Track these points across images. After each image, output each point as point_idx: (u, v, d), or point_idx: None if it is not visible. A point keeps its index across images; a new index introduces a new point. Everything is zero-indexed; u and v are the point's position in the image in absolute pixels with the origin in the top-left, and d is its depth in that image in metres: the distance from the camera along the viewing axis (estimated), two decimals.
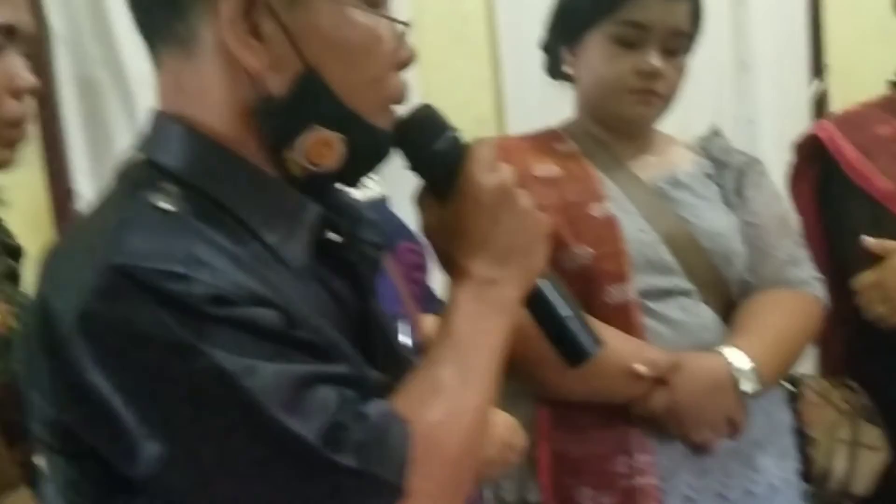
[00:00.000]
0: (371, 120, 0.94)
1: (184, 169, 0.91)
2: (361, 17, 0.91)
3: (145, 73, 2.95)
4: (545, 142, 1.77)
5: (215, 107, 0.92)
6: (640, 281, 1.64)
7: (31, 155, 2.70)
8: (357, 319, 1.00)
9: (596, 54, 1.67)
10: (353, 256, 1.01)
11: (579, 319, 1.05)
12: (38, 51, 2.70)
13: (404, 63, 0.97)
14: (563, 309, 1.05)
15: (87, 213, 0.94)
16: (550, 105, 1.86)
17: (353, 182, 1.01)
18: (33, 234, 2.71)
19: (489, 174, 0.98)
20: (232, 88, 0.91)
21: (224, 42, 0.89)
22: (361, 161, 0.97)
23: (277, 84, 0.90)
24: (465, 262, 0.99)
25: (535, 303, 1.03)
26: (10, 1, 1.22)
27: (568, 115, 1.81)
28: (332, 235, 0.98)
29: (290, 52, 0.89)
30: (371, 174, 1.01)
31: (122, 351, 0.80)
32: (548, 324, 1.04)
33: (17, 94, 1.22)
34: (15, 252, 1.35)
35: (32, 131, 2.67)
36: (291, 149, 0.92)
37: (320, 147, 0.92)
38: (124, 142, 2.77)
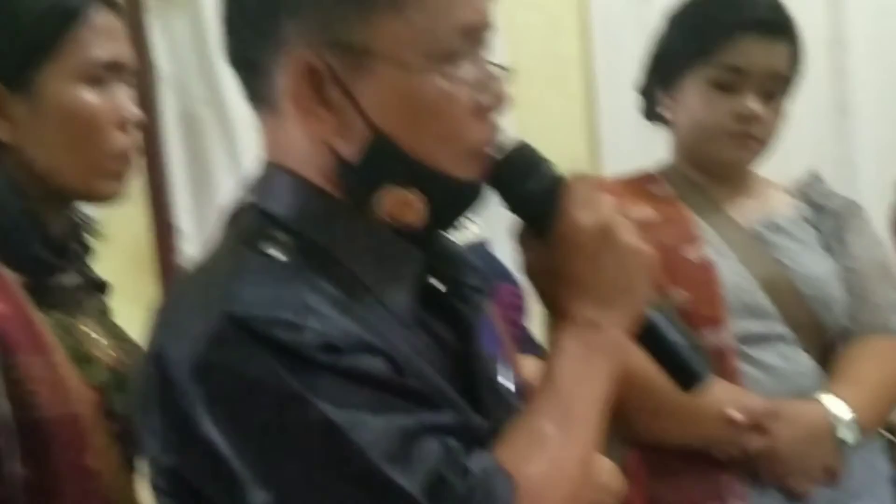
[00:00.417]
0: (452, 172, 0.93)
1: (292, 217, 0.93)
2: (430, 77, 0.90)
3: (247, 112, 3.01)
4: (640, 185, 1.77)
5: (306, 163, 0.94)
6: (737, 326, 1.62)
7: (134, 190, 2.77)
8: (460, 364, 1.00)
9: (693, 98, 1.67)
10: (455, 302, 1.01)
11: (689, 343, 1.03)
12: (143, 88, 2.78)
13: (489, 109, 0.95)
14: (673, 334, 1.02)
15: (199, 260, 0.97)
16: (646, 148, 1.86)
17: (447, 228, 1.01)
18: (134, 268, 2.80)
19: (587, 212, 0.96)
20: (313, 150, 0.92)
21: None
22: (449, 211, 0.96)
23: (349, 149, 0.91)
24: (568, 305, 0.97)
25: (645, 331, 1.01)
26: (114, 37, 1.26)
27: (663, 158, 1.80)
28: (435, 282, 0.99)
29: (357, 119, 0.90)
30: (468, 218, 1.01)
31: (233, 399, 0.83)
32: (659, 351, 1.02)
33: (123, 126, 1.25)
34: (102, 287, 1.38)
35: (137, 167, 2.75)
36: (373, 208, 0.93)
37: (399, 206, 0.92)
38: (225, 179, 2.83)
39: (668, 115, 1.74)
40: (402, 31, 0.89)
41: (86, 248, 1.34)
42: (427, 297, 0.98)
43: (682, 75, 1.69)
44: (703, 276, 1.64)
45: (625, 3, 3.02)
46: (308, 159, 0.93)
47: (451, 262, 1.04)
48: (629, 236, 0.98)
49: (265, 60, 0.91)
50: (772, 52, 1.64)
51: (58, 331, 1.21)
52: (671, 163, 1.79)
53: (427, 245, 0.99)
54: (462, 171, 0.94)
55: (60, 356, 1.18)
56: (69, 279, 1.27)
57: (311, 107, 0.90)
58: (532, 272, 1.01)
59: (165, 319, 0.92)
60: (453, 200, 0.96)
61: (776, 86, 1.66)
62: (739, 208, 1.74)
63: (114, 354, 1.29)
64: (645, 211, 1.70)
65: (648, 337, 1.01)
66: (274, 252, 0.90)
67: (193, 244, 2.84)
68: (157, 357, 0.87)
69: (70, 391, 1.18)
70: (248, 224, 0.95)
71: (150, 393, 0.88)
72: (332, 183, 0.93)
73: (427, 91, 0.90)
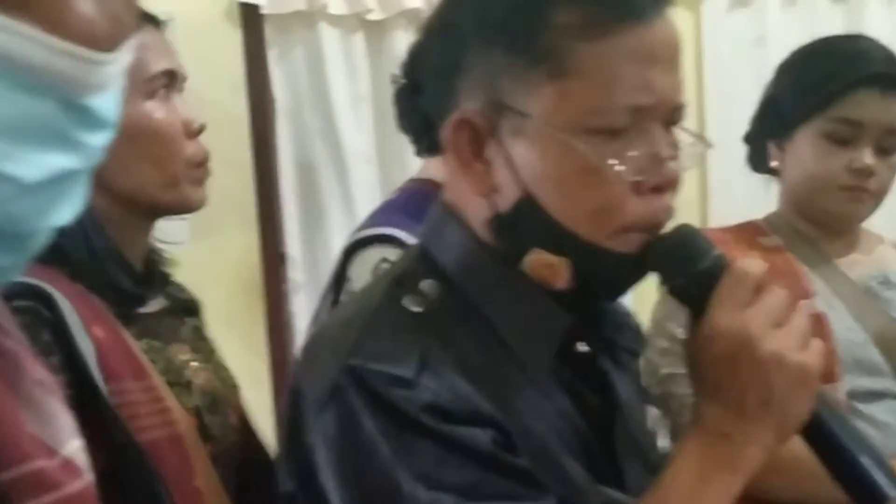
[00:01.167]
0: (602, 244, 0.90)
1: (451, 264, 0.96)
2: (584, 149, 0.88)
3: (359, 146, 3.05)
4: (749, 235, 1.74)
5: (470, 210, 0.96)
6: (849, 381, 1.58)
7: (248, 218, 2.85)
8: (607, 432, 0.97)
9: (806, 150, 1.65)
10: (605, 365, 0.99)
11: (870, 454, 0.91)
12: (261, 118, 2.86)
13: (653, 188, 0.90)
14: (850, 442, 0.91)
15: (353, 296, 0.99)
16: (754, 197, 1.84)
17: (602, 299, 0.99)
18: (245, 293, 2.86)
19: (730, 314, 0.88)
20: (475, 199, 0.94)
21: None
22: (596, 280, 0.93)
23: (503, 205, 0.92)
24: (701, 407, 0.91)
25: (816, 436, 0.91)
26: (163, 50, 1.29)
27: (771, 208, 1.78)
28: (581, 346, 0.97)
29: (510, 178, 0.91)
30: (621, 294, 0.99)
31: (340, 443, 0.86)
32: (833, 460, 0.92)
33: (190, 133, 1.28)
34: (192, 308, 1.41)
35: (250, 195, 2.82)
36: (522, 264, 0.93)
37: (544, 268, 0.92)
38: (336, 209, 2.88)
39: (778, 166, 1.72)
40: (558, 101, 0.88)
41: (166, 273, 1.36)
42: (575, 358, 0.97)
43: (794, 127, 1.66)
44: (815, 331, 1.60)
45: (738, 51, 3.00)
46: (472, 206, 0.95)
47: (608, 322, 1.02)
48: (781, 345, 0.88)
49: (444, 111, 0.93)
50: (889, 106, 1.61)
51: (150, 356, 1.24)
52: (779, 213, 1.76)
53: (581, 307, 0.96)
54: (614, 243, 0.91)
55: (157, 380, 1.21)
56: (155, 305, 1.30)
57: (468, 160, 0.92)
58: (687, 356, 0.94)
59: (308, 356, 0.96)
60: (601, 271, 0.92)
61: (892, 140, 1.62)
62: (850, 262, 1.70)
63: (207, 377, 1.32)
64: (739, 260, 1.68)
65: (819, 441, 0.92)
66: (409, 303, 0.92)
67: (301, 271, 2.89)
68: (294, 392, 0.91)
69: (171, 413, 1.21)
70: (406, 268, 0.98)
71: (285, 422, 0.92)
72: (489, 234, 0.95)
73: (575, 163, 0.89)
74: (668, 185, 0.91)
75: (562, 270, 0.92)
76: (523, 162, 0.90)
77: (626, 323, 1.06)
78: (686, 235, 0.93)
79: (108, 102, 0.44)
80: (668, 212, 0.92)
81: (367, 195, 2.87)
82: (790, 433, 0.90)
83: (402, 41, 2.82)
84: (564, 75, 0.88)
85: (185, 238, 1.38)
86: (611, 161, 0.88)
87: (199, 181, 1.30)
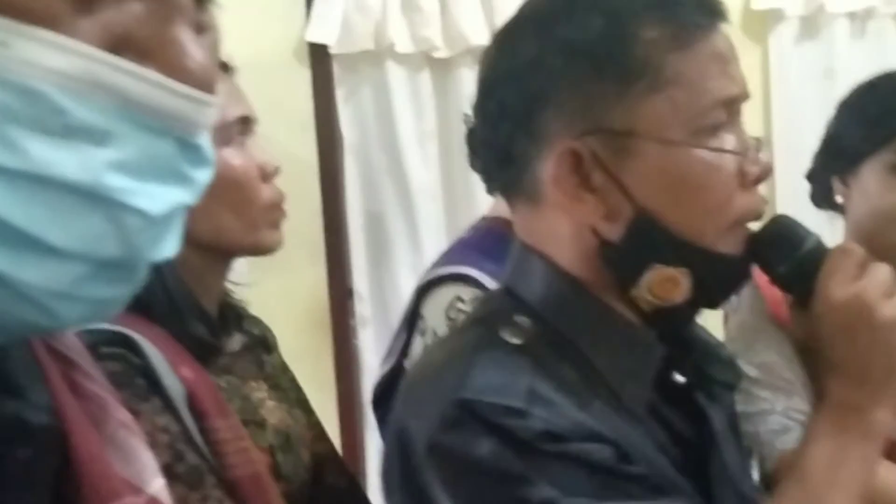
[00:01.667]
0: (715, 247, 0.92)
1: (540, 302, 0.96)
2: (695, 151, 0.91)
3: (425, 183, 3.07)
4: None
5: (564, 250, 0.96)
6: None
7: (316, 254, 2.88)
8: (702, 463, 0.98)
9: (872, 184, 1.62)
10: (699, 396, 1.00)
11: None
12: (329, 155, 2.90)
13: (755, 180, 0.94)
14: None
15: (445, 337, 1.00)
16: (822, 229, 1.81)
17: (711, 307, 1.00)
18: (314, 328, 2.89)
19: (843, 288, 0.93)
20: (575, 236, 0.94)
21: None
22: (712, 288, 0.95)
23: (613, 231, 0.92)
24: (827, 386, 0.94)
25: None
26: (236, 96, 1.31)
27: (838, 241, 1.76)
28: (677, 377, 0.98)
29: (621, 200, 0.91)
30: (730, 297, 1.01)
31: (462, 477, 0.87)
32: None
33: (268, 178, 1.30)
34: (269, 344, 1.42)
35: (318, 232, 2.86)
36: (637, 287, 0.93)
37: (665, 284, 0.92)
38: (402, 246, 2.90)
39: (842, 201, 1.70)
40: (663, 109, 0.90)
41: (240, 309, 1.38)
42: (669, 389, 0.97)
43: (859, 162, 1.64)
44: None
45: (806, 83, 2.97)
46: (566, 245, 0.95)
47: (702, 354, 1.02)
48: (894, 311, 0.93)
49: (525, 152, 0.94)
50: None
51: (228, 394, 1.25)
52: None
53: (676, 335, 0.98)
54: (725, 245, 0.93)
55: (237, 419, 1.23)
56: (233, 344, 1.32)
57: (575, 192, 0.92)
58: (801, 347, 0.99)
59: (410, 396, 0.97)
60: (718, 276, 0.95)
61: None
62: None
63: (281, 416, 1.33)
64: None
65: None
66: (509, 336, 0.93)
67: (368, 306, 2.92)
68: (399, 432, 0.92)
69: (250, 452, 1.22)
70: (495, 307, 0.99)
71: (393, 466, 0.93)
72: (594, 267, 0.95)
73: (693, 165, 0.91)
74: (765, 174, 0.95)
75: (683, 282, 0.92)
76: (635, 180, 0.91)
77: (718, 354, 1.04)
78: (785, 223, 0.98)
79: (207, 141, 0.48)
80: (764, 202, 0.95)
81: (433, 231, 2.89)
82: None
83: (468, 78, 2.84)
84: (665, 86, 0.90)
85: (247, 278, 1.40)
86: (719, 158, 0.91)
87: (276, 224, 1.32)
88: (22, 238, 0.42)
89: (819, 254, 0.96)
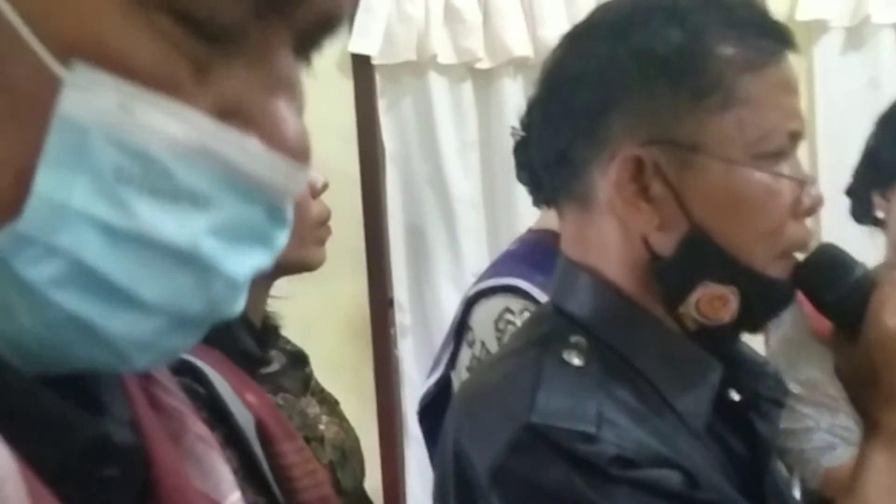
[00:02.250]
0: (764, 271, 0.92)
1: (592, 319, 0.96)
2: (755, 174, 0.91)
3: (466, 193, 3.06)
4: None
5: (614, 261, 0.96)
6: None
7: (358, 264, 2.89)
8: (754, 480, 0.97)
9: None
10: (751, 414, 0.99)
11: None
12: (370, 165, 2.91)
13: (807, 213, 0.94)
14: None
15: (499, 357, 1.00)
16: (866, 243, 1.80)
17: (753, 330, 1.00)
18: (354, 338, 2.90)
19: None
20: (626, 246, 0.94)
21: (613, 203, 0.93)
22: (758, 311, 0.95)
23: (666, 243, 0.92)
24: (878, 416, 0.94)
25: None
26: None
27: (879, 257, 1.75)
28: (733, 394, 0.98)
29: (677, 213, 0.91)
30: (770, 321, 1.01)
31: (527, 500, 0.86)
32: None
33: (316, 194, 1.30)
34: (304, 359, 1.42)
35: (360, 241, 2.86)
36: (685, 304, 0.93)
37: (713, 302, 0.92)
38: (443, 255, 2.90)
39: (883, 216, 1.68)
40: (730, 128, 0.90)
41: (278, 328, 1.38)
42: (722, 406, 0.96)
43: None
44: None
45: (852, 94, 2.93)
46: (617, 255, 0.95)
47: (749, 371, 1.02)
48: None
49: (585, 156, 0.94)
50: None
51: (287, 412, 1.25)
52: (888, 264, 1.72)
53: (726, 351, 0.98)
54: (773, 269, 0.93)
55: (302, 440, 1.22)
56: (277, 361, 1.32)
57: (633, 200, 0.93)
58: (842, 376, 0.98)
59: (467, 417, 0.96)
60: (764, 299, 0.95)
61: None
62: None
63: (336, 431, 1.33)
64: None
65: None
66: (574, 360, 0.92)
67: (408, 316, 2.92)
68: (458, 456, 0.92)
69: (317, 473, 1.22)
70: (549, 327, 0.98)
71: (450, 489, 0.93)
72: (642, 280, 0.95)
73: (752, 187, 0.91)
74: (816, 208, 0.95)
75: (731, 302, 0.92)
76: (693, 195, 0.91)
77: (765, 371, 1.04)
78: (833, 252, 0.97)
79: (291, 205, 0.49)
80: (812, 235, 0.96)
81: (474, 242, 2.89)
82: None
83: (510, 89, 2.85)
84: (735, 105, 0.90)
85: (288, 288, 1.40)
86: (778, 184, 0.91)
87: (322, 241, 1.33)
88: (115, 292, 0.43)
89: (867, 283, 0.95)
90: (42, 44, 0.41)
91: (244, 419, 1.12)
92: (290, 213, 0.49)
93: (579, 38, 0.98)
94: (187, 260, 0.45)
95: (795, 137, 0.93)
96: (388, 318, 2.94)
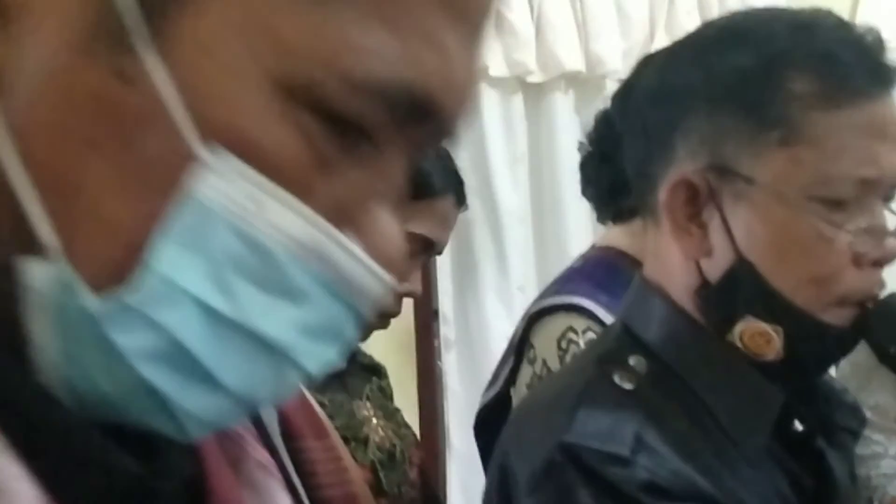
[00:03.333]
0: (817, 315, 0.90)
1: (657, 343, 0.94)
2: (808, 217, 0.88)
3: (514, 206, 3.06)
4: None
5: (675, 279, 0.95)
6: None
7: None
8: None
9: None
10: (820, 443, 0.96)
11: None
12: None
13: (874, 262, 0.90)
14: None
15: (557, 374, 1.00)
16: None
17: (809, 373, 0.97)
18: (398, 349, 2.89)
19: None
20: (685, 268, 0.93)
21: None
22: (808, 353, 0.93)
23: (713, 270, 0.91)
24: None
25: None
26: (442, 224, 1.32)
27: None
28: (797, 425, 0.95)
29: (726, 241, 0.90)
30: (825, 370, 0.99)
31: None
32: None
33: (401, 296, 1.32)
34: (376, 369, 1.45)
35: None
36: (731, 334, 0.91)
37: (756, 338, 0.90)
38: (489, 268, 2.89)
39: None
40: (789, 167, 0.88)
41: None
42: (790, 436, 0.94)
43: None
44: None
45: None
46: (678, 274, 0.94)
47: (822, 399, 1.00)
48: None
49: (657, 173, 0.93)
50: None
51: (331, 410, 1.26)
52: None
53: (792, 381, 0.95)
54: (829, 315, 0.90)
55: (336, 439, 1.24)
56: (340, 365, 1.34)
57: (683, 222, 0.92)
58: None
59: (517, 430, 0.97)
60: (814, 343, 0.92)
61: None
62: None
63: (384, 434, 1.34)
64: None
65: None
66: (620, 380, 0.91)
67: (453, 329, 2.91)
68: (502, 467, 0.92)
69: (346, 472, 1.24)
70: (610, 346, 0.98)
71: (493, 497, 0.93)
72: (694, 304, 0.94)
73: (802, 230, 0.89)
74: (887, 259, 0.90)
75: (775, 340, 0.90)
76: (742, 227, 0.89)
77: (842, 400, 1.02)
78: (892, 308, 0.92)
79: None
80: (882, 285, 0.91)
81: (521, 255, 2.87)
82: None
83: (561, 103, 2.84)
84: (797, 143, 0.87)
85: None
86: (833, 231, 0.88)
87: (371, 329, 1.38)
88: (198, 370, 0.43)
89: None
90: (191, 121, 0.41)
91: (269, 414, 1.16)
92: (368, 315, 0.49)
93: (668, 56, 0.98)
94: (273, 353, 0.45)
95: (869, 185, 0.88)
96: (433, 330, 2.93)
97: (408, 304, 2.89)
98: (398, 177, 0.48)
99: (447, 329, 2.91)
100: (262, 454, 0.60)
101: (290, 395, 0.47)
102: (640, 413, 0.88)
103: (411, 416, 2.86)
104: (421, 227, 1.29)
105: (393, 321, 2.84)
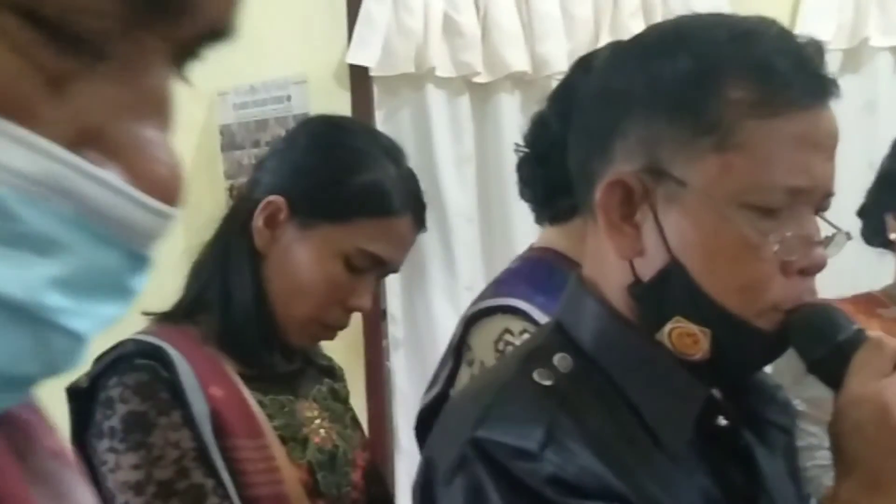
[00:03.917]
0: (750, 320, 0.90)
1: (587, 340, 0.95)
2: (738, 223, 0.89)
3: (462, 206, 3.06)
4: (867, 306, 1.71)
5: (610, 278, 0.96)
6: None
7: None
8: None
9: None
10: (748, 439, 0.97)
11: None
12: None
13: (799, 270, 0.90)
14: None
15: (485, 370, 1.00)
16: (869, 269, 1.81)
17: (736, 374, 0.98)
18: (346, 349, 2.87)
19: (865, 382, 0.88)
20: (618, 265, 0.94)
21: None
22: (734, 357, 0.93)
23: (646, 270, 0.92)
24: (838, 482, 0.90)
25: None
26: (398, 244, 1.33)
27: (877, 281, 1.75)
28: (721, 420, 0.95)
29: (658, 243, 0.91)
30: (754, 372, 0.99)
31: None
32: None
33: (349, 310, 1.33)
34: (330, 372, 1.46)
35: None
36: (661, 333, 0.92)
37: (684, 337, 0.91)
38: (437, 269, 2.89)
39: (895, 238, 1.69)
40: (721, 172, 0.89)
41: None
42: (716, 434, 0.95)
43: None
44: None
45: (847, 117, 2.94)
46: (613, 273, 0.95)
47: (752, 395, 1.00)
48: None
49: (596, 172, 0.94)
50: None
51: (272, 410, 1.27)
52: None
53: (718, 380, 0.96)
54: (762, 320, 0.91)
55: (271, 438, 1.25)
56: (284, 367, 1.37)
57: (617, 221, 0.93)
58: (829, 433, 0.93)
59: (440, 424, 0.98)
60: (741, 346, 0.92)
61: None
62: None
63: (326, 436, 1.34)
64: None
65: None
66: (539, 377, 0.92)
67: (401, 329, 2.91)
68: (427, 459, 0.95)
69: (278, 471, 1.24)
70: (539, 343, 0.99)
71: (416, 495, 0.95)
72: (627, 303, 0.95)
73: (730, 236, 0.89)
74: (815, 268, 0.91)
75: (702, 341, 0.91)
76: (674, 229, 0.90)
77: (773, 395, 1.03)
78: (825, 310, 0.93)
79: (155, 248, 0.42)
80: (811, 294, 0.92)
81: (469, 255, 2.88)
82: None
83: (507, 104, 2.85)
84: (730, 149, 0.88)
85: None
86: (761, 238, 0.88)
87: (317, 339, 1.42)
88: None
89: (857, 343, 0.91)
90: None
91: (199, 408, 1.18)
92: (154, 258, 0.42)
93: (612, 59, 1.00)
94: (23, 316, 0.37)
95: (797, 195, 0.89)
96: (381, 330, 2.93)
97: None
98: (163, 88, 0.41)
99: (395, 329, 2.91)
100: (54, 441, 0.51)
101: (74, 364, 0.40)
102: (555, 408, 0.89)
103: (359, 416, 2.86)
104: (375, 247, 1.29)
105: None
